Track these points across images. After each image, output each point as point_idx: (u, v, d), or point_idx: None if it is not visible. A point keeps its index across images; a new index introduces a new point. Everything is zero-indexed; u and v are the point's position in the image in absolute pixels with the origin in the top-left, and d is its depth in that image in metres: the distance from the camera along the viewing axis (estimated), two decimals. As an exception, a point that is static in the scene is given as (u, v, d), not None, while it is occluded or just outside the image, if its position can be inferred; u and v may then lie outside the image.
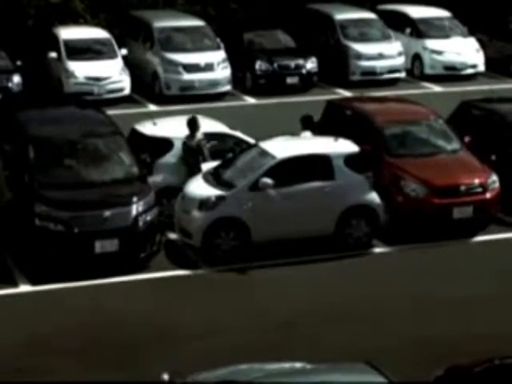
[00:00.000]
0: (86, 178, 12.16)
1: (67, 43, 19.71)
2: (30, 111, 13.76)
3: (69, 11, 21.74)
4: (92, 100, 18.29)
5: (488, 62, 21.99)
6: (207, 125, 14.33)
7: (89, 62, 19.39)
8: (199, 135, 13.24)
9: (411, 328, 10.58)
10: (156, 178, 13.12)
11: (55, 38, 20.02)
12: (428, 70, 21.88)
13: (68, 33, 20.21)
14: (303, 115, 14.06)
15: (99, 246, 11.66)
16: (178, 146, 13.47)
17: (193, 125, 13.25)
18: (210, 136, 13.88)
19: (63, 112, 13.87)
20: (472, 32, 22.55)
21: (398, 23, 22.51)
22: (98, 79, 19.20)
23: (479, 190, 13.21)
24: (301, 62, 20.53)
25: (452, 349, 9.99)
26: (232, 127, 14.45)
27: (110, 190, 12.06)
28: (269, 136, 13.55)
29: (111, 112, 15.76)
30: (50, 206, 11.71)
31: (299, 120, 14.04)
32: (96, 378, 9.39)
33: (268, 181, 12.26)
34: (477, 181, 13.26)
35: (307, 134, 13.73)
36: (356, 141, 13.19)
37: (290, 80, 20.44)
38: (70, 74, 19.27)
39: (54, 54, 19.67)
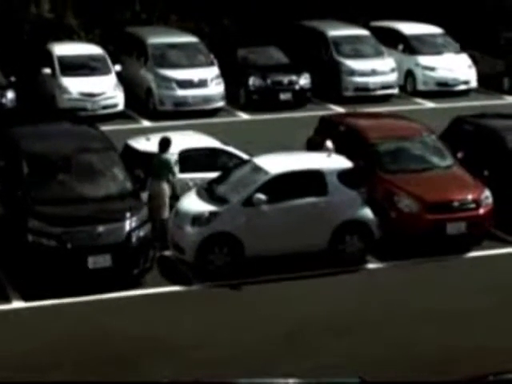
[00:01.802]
0: (79, 194, 12.13)
1: (61, 59, 19.74)
2: (23, 127, 13.74)
3: (63, 27, 21.81)
4: (86, 116, 18.31)
5: (480, 78, 22.12)
6: (201, 140, 14.36)
7: (82, 78, 19.41)
8: (169, 155, 13.13)
9: (404, 343, 10.55)
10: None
11: (49, 54, 20.04)
12: (420, 86, 21.97)
13: (62, 49, 20.24)
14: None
15: (92, 262, 11.62)
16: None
17: (165, 145, 13.10)
18: (203, 151, 13.91)
19: (57, 128, 13.86)
20: (464, 48, 22.69)
21: (391, 40, 22.63)
22: (91, 95, 19.22)
23: (472, 205, 13.22)
24: (294, 78, 20.60)
25: (444, 362, 9.98)
26: (225, 143, 14.47)
27: (103, 206, 12.04)
28: (262, 152, 13.59)
29: (105, 128, 15.75)
30: (42, 221, 11.67)
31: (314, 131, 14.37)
32: None
33: (261, 196, 12.26)
34: (470, 196, 13.27)
35: (329, 143, 13.81)
36: (349, 156, 13.21)
37: (284, 96, 20.50)
38: (64, 90, 19.28)
39: (47, 70, 19.69)
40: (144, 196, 12.78)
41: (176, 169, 13.28)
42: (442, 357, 10.19)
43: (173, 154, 13.35)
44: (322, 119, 15.70)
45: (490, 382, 7.59)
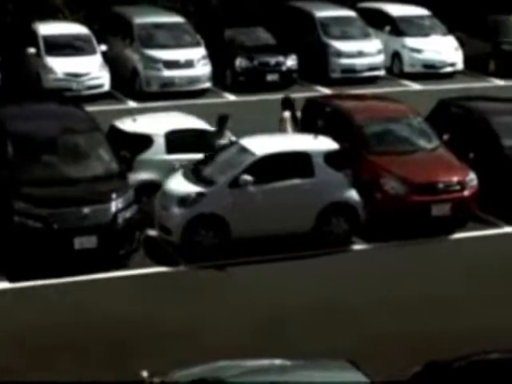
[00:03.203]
0: (65, 175, 12.13)
1: (46, 39, 19.62)
2: (8, 107, 13.69)
3: (48, 7, 21.67)
4: (71, 96, 18.24)
5: (467, 60, 22.17)
6: (187, 121, 14.35)
7: (68, 58, 19.31)
8: (227, 134, 13.48)
9: (389, 324, 10.64)
10: (136, 175, 13.10)
11: (34, 34, 19.92)
12: (407, 68, 22.02)
13: (47, 28, 20.12)
14: (282, 97, 14.75)
15: (78, 243, 11.65)
16: (157, 142, 13.48)
17: (222, 122, 13.45)
18: (190, 132, 13.91)
19: (42, 108, 13.83)
20: (451, 30, 22.73)
21: (378, 21, 22.64)
22: (77, 75, 19.12)
23: (457, 187, 13.30)
24: (281, 59, 20.59)
25: (429, 345, 10.06)
26: (212, 124, 14.46)
27: (89, 187, 12.04)
28: (249, 133, 13.61)
29: (90, 108, 15.70)
30: (28, 202, 11.67)
31: (280, 102, 14.61)
32: (73, 375, 9.36)
33: (248, 178, 12.29)
34: (455, 178, 13.35)
35: (287, 113, 14.26)
36: (335, 138, 13.25)
37: (270, 77, 20.49)
38: (49, 70, 19.17)
39: (32, 50, 19.57)
40: (136, 175, 12.86)
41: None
42: (425, 340, 10.25)
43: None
44: (309, 101, 15.72)
45: (474, 361, 7.68)
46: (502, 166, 13.96)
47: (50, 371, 9.46)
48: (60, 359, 9.71)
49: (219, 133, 13.46)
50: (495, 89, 20.52)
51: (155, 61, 19.72)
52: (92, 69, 19.25)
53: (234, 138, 13.40)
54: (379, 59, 21.45)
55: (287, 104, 14.66)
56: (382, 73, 21.57)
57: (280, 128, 14.56)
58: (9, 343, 10.05)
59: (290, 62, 20.63)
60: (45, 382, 9.29)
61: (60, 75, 19.09)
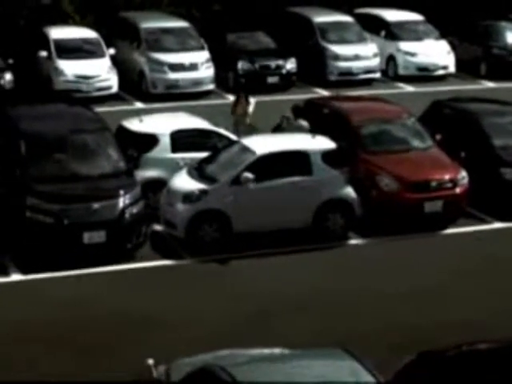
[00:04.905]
0: (75, 172, 12.52)
1: (57, 42, 20.09)
2: (21, 108, 14.10)
3: (59, 12, 22.19)
4: (81, 97, 18.68)
5: (458, 63, 22.65)
6: (191, 122, 14.87)
7: (78, 61, 19.75)
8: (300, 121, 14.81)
9: (383, 316, 10.98)
10: (142, 173, 13.61)
11: (45, 38, 20.37)
12: (402, 71, 22.48)
13: (58, 33, 20.57)
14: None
15: (87, 237, 12.05)
16: (163, 141, 14.00)
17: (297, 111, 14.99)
18: (193, 132, 14.42)
19: (53, 109, 14.19)
20: (443, 35, 23.19)
21: (374, 26, 23.12)
22: (86, 77, 19.56)
23: (449, 185, 13.75)
24: (281, 62, 21.09)
25: (421, 335, 10.37)
26: (215, 124, 14.92)
27: (98, 184, 12.43)
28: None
29: (99, 109, 16.09)
30: (40, 198, 12.07)
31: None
32: (82, 364, 9.67)
33: (249, 175, 12.77)
34: (447, 176, 13.81)
35: (303, 122, 14.93)
36: (333, 138, 13.73)
37: (271, 79, 21.00)
38: (60, 73, 19.63)
39: (44, 53, 20.04)
40: (142, 172, 13.27)
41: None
42: (416, 330, 10.56)
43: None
44: (308, 102, 16.24)
45: (465, 351, 8.00)
46: (492, 165, 14.46)
47: (59, 360, 9.81)
48: (69, 348, 10.05)
49: (295, 120, 14.57)
50: (486, 91, 20.88)
51: (161, 64, 20.24)
52: (101, 71, 19.68)
53: (306, 123, 14.50)
54: (375, 62, 21.91)
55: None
56: (377, 75, 22.02)
57: (248, 114, 15.80)
58: (19, 332, 10.36)
59: (290, 65, 21.15)
60: (43, 382, 9.33)
61: (70, 77, 19.56)
